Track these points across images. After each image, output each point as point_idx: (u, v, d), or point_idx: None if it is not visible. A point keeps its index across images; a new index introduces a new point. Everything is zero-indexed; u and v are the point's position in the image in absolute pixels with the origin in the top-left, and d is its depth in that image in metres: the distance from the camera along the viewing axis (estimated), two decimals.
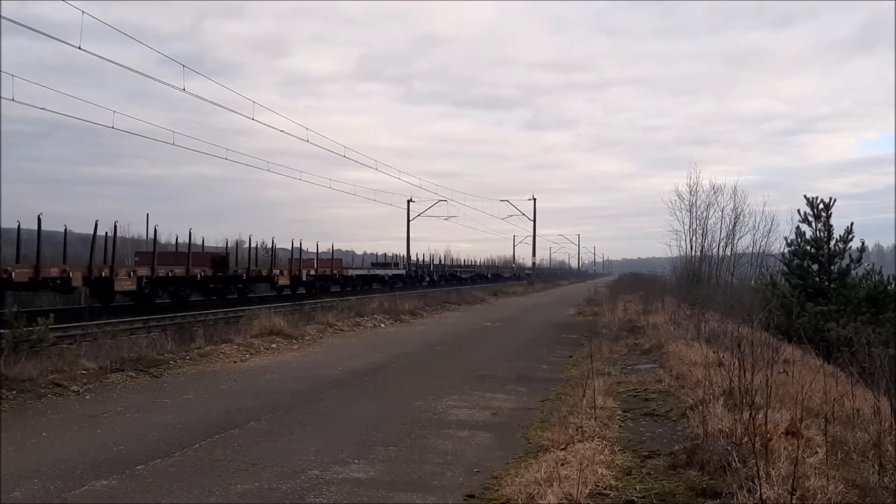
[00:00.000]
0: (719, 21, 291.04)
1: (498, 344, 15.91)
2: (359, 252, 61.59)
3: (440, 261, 60.29)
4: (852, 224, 19.80)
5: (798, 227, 20.15)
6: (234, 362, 11.56)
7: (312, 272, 32.44)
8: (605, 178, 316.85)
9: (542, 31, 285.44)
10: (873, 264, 20.75)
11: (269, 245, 31.84)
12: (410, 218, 56.83)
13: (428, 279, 52.23)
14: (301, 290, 31.58)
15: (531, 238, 65.19)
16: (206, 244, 29.74)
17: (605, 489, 4.95)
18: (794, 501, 4.17)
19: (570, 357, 13.06)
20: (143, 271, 21.43)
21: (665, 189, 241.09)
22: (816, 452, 5.17)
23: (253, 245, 31.81)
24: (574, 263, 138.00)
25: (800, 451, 4.72)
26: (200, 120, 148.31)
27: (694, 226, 29.50)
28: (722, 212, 29.31)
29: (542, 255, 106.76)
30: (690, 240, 29.62)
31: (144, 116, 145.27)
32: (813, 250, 19.72)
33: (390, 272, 44.86)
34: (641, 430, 7.03)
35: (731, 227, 29.13)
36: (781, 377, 7.05)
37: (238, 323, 15.66)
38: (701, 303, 19.27)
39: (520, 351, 14.25)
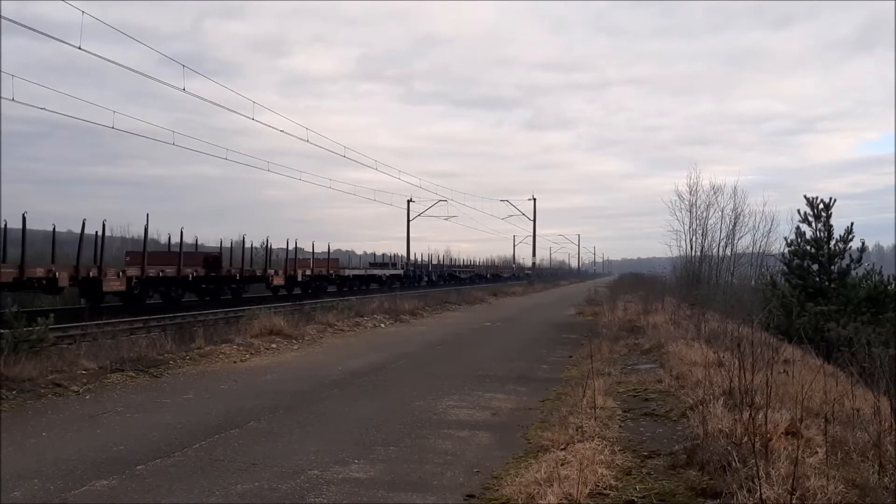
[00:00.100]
0: (719, 21, 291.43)
1: (498, 344, 15.91)
2: (359, 252, 61.79)
3: (439, 261, 60.28)
4: (852, 224, 19.83)
5: (798, 227, 20.18)
6: (234, 362, 11.56)
7: (308, 272, 32.16)
8: (605, 178, 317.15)
9: (542, 31, 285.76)
10: (873, 264, 20.75)
11: (266, 245, 31.32)
12: (410, 218, 56.92)
13: (426, 279, 52.19)
14: (297, 291, 31.28)
15: (531, 238, 65.32)
16: (206, 244, 29.69)
17: (605, 489, 4.95)
18: (794, 501, 4.17)
19: (570, 357, 13.06)
20: (133, 271, 21.03)
21: (665, 189, 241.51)
22: (816, 452, 5.16)
23: (251, 245, 31.58)
24: (574, 263, 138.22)
25: (800, 451, 4.72)
26: (200, 120, 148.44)
27: (694, 226, 29.52)
28: (722, 212, 29.33)
29: (542, 255, 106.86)
30: (690, 240, 29.63)
31: (144, 116, 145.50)
32: (813, 250, 19.71)
33: (388, 272, 44.68)
34: (641, 430, 7.03)
35: (731, 227, 29.15)
36: (781, 377, 7.05)
37: (238, 323, 15.65)
38: (701, 303, 19.26)
39: (520, 351, 14.25)
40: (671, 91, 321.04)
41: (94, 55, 17.82)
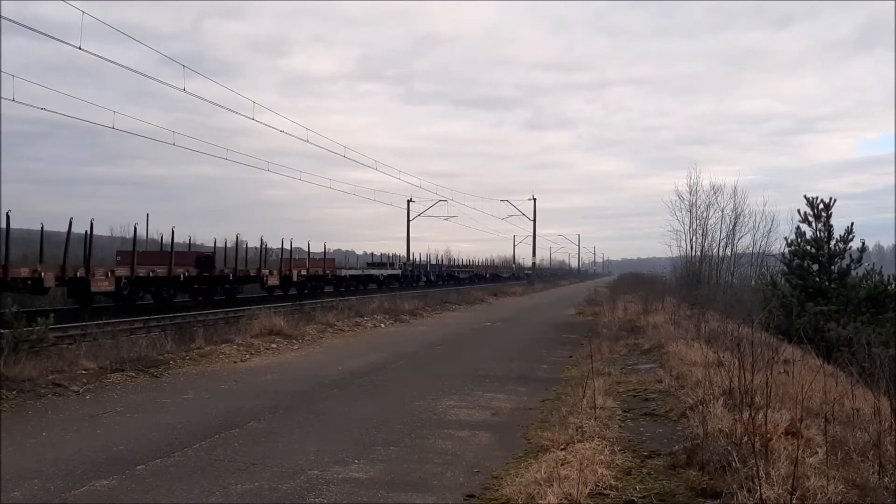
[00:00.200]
0: (719, 21, 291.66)
1: (498, 344, 15.91)
2: (359, 252, 61.63)
3: (438, 261, 60.28)
4: (852, 224, 19.81)
5: (798, 228, 20.16)
6: (234, 362, 11.56)
7: (304, 272, 31.86)
8: (605, 178, 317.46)
9: (542, 31, 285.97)
10: (873, 264, 20.73)
11: (260, 245, 30.88)
12: (410, 218, 56.94)
13: (424, 279, 52.13)
14: (292, 291, 30.92)
15: (531, 238, 65.30)
16: (205, 245, 29.48)
17: (605, 489, 4.95)
18: (794, 501, 4.17)
19: (570, 357, 13.06)
20: (122, 271, 20.69)
21: (665, 189, 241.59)
22: (816, 452, 5.16)
23: (245, 245, 31.18)
24: (574, 263, 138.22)
25: (800, 451, 4.72)
26: (200, 120, 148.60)
27: (694, 226, 29.56)
28: (722, 212, 29.38)
29: (542, 255, 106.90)
30: (690, 240, 29.68)
31: (144, 116, 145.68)
32: (813, 250, 19.70)
33: (385, 272, 44.46)
34: (641, 430, 7.03)
35: (731, 227, 29.21)
36: (781, 377, 7.05)
37: (238, 323, 15.64)
38: (701, 303, 19.26)
39: (520, 351, 14.24)
40: (671, 91, 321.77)
41: (94, 55, 17.85)
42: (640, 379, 10.04)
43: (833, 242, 19.58)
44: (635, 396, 8.85)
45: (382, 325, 19.30)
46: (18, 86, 25.82)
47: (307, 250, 34.69)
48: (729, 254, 29.71)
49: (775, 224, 27.91)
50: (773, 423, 5.55)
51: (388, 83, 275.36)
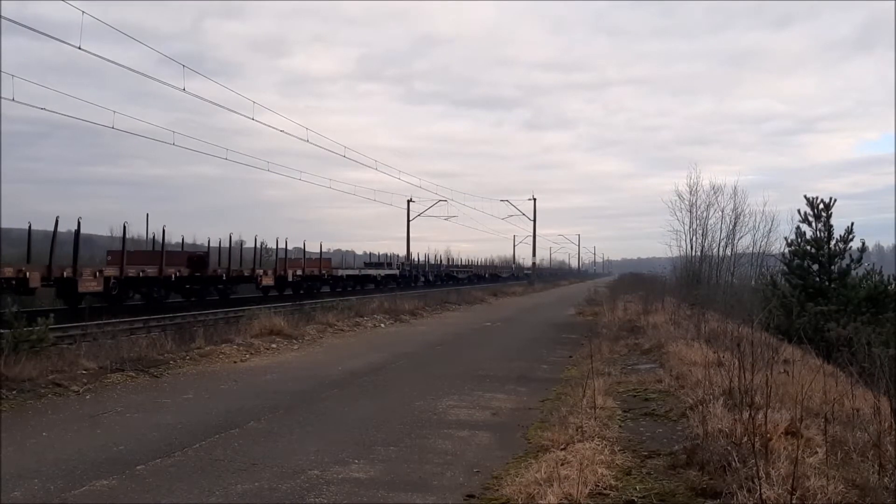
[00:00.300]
0: (719, 21, 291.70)
1: (498, 344, 15.91)
2: (359, 252, 61.56)
3: (438, 261, 60.26)
4: (852, 224, 19.79)
5: (798, 227, 20.15)
6: (234, 362, 11.56)
7: (299, 272, 31.56)
8: (605, 178, 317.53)
9: (542, 31, 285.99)
10: (873, 264, 20.73)
11: (255, 244, 30.62)
12: (410, 218, 56.96)
13: (423, 279, 52.08)
14: (288, 292, 30.63)
15: (531, 238, 65.33)
16: (205, 245, 29.40)
17: (605, 489, 4.95)
18: (794, 501, 4.17)
19: (570, 357, 13.05)
20: (111, 271, 20.44)
21: (665, 189, 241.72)
22: (816, 452, 5.16)
23: (240, 244, 30.76)
24: (574, 263, 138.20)
25: (800, 451, 4.72)
26: (200, 120, 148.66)
27: (694, 226, 29.58)
28: (722, 212, 29.39)
29: (542, 255, 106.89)
30: (690, 240, 29.70)
31: (144, 116, 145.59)
32: (813, 250, 19.69)
33: (382, 272, 44.28)
34: (641, 430, 7.03)
35: (731, 227, 29.22)
36: (781, 377, 7.05)
37: (238, 323, 15.65)
38: (701, 303, 19.26)
39: (520, 351, 14.24)
40: (671, 91, 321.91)
41: (94, 55, 17.83)
42: (640, 379, 10.04)
43: (833, 242, 19.58)
44: (635, 396, 8.85)
45: (382, 325, 19.30)
46: (18, 86, 25.82)
47: (303, 249, 34.48)
48: (729, 254, 29.75)
49: (775, 224, 27.95)
50: (773, 423, 5.55)
51: (388, 83, 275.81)
